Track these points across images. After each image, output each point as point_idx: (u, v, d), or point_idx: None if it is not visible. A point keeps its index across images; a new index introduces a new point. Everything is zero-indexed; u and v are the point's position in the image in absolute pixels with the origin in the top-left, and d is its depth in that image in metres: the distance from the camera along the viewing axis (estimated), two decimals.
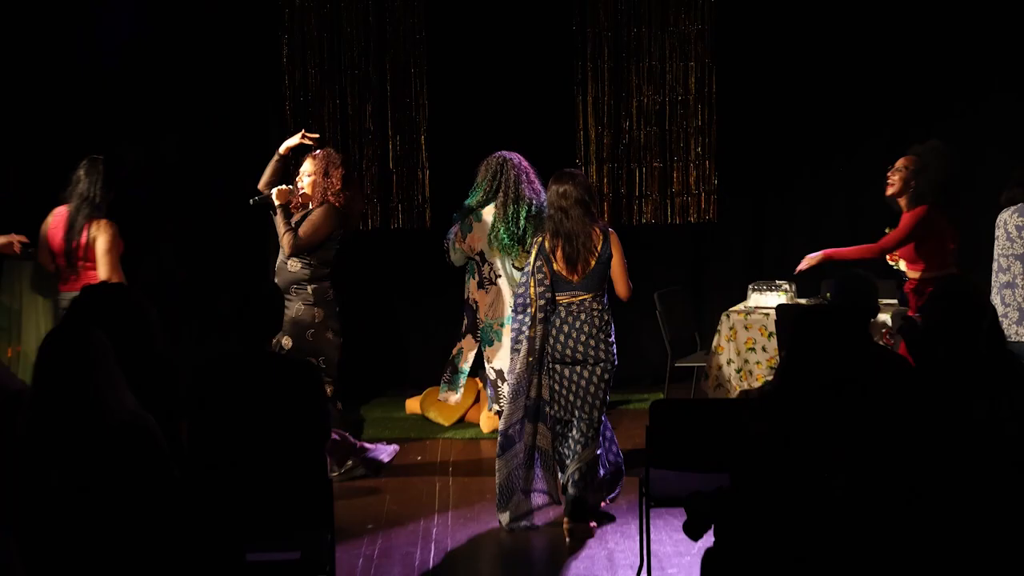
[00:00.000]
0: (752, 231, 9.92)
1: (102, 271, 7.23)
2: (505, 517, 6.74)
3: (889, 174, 7.37)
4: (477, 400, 8.91)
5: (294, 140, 7.48)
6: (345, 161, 7.57)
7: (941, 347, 4.83)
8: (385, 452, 7.69)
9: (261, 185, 7.45)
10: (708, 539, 4.23)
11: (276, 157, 7.47)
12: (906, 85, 9.45)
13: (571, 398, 6.62)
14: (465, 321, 8.06)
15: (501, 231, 7.59)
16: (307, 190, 7.34)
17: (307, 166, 7.35)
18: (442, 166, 9.56)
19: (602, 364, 6.59)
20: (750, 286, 8.50)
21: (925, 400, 4.55)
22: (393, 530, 6.83)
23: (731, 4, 9.57)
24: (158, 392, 4.82)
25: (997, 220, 7.20)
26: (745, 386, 8.13)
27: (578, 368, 6.60)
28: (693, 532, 4.39)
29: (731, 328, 8.23)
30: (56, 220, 7.42)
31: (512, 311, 6.83)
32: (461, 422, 8.91)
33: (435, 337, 9.24)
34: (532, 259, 6.67)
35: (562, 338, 6.59)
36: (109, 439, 4.05)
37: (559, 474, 6.74)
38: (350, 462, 7.51)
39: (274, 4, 9.44)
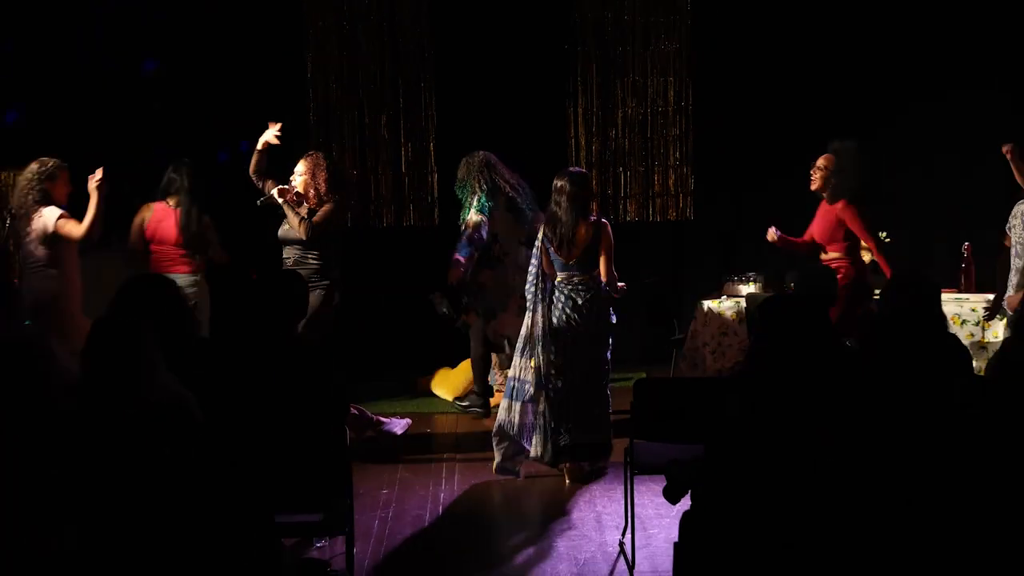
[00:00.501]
0: (725, 228, 9.91)
1: (221, 255, 7.92)
2: (498, 456, 7.00)
3: (812, 171, 7.44)
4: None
5: (269, 136, 7.60)
6: (330, 163, 7.65)
7: (899, 331, 4.84)
8: (398, 425, 7.68)
9: (252, 171, 7.61)
10: (685, 503, 4.23)
11: (257, 150, 7.62)
12: (864, 95, 9.44)
13: (580, 364, 6.89)
14: (465, 300, 8.15)
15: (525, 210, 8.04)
16: (300, 188, 7.51)
17: (299, 167, 7.56)
18: (449, 170, 9.52)
19: (602, 334, 6.92)
20: (723, 276, 8.50)
21: (885, 378, 4.56)
22: (405, 495, 6.84)
23: (705, 26, 9.56)
24: (194, 371, 4.81)
25: (1014, 211, 7.16)
26: (719, 366, 8.13)
27: (580, 339, 6.88)
28: (672, 497, 4.39)
29: (706, 314, 8.23)
30: (159, 215, 7.79)
31: (527, 288, 7.05)
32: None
33: (443, 322, 9.22)
34: (536, 247, 6.93)
35: (568, 312, 6.88)
36: (154, 415, 4.04)
37: (553, 435, 6.90)
38: (369, 433, 7.52)
39: (299, 26, 9.44)
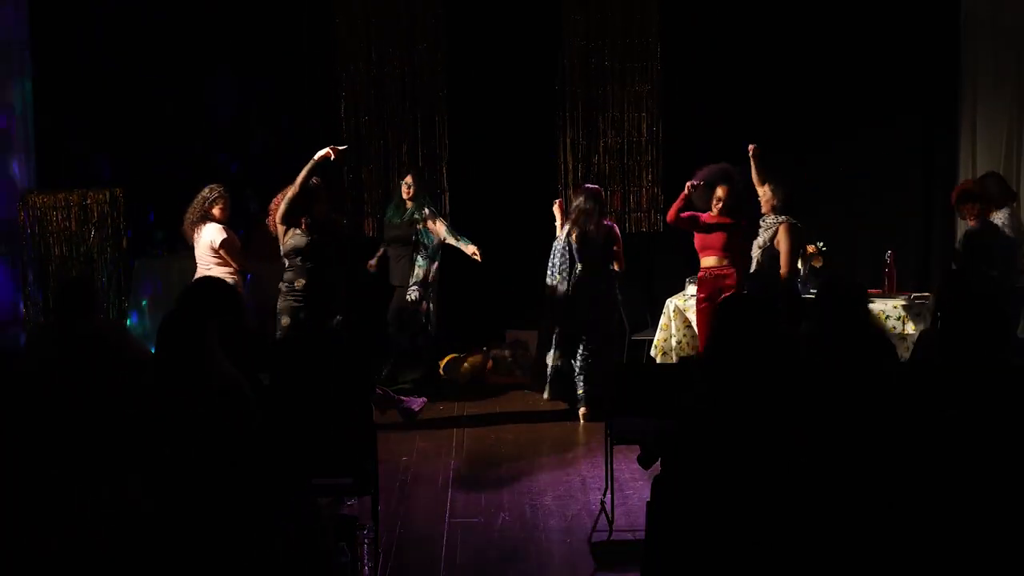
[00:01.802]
0: (688, 239, 9.86)
1: None
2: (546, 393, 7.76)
3: (715, 201, 7.48)
4: (485, 365, 8.88)
5: (321, 153, 7.26)
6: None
7: (829, 325, 4.83)
8: (416, 403, 7.64)
9: (300, 181, 7.19)
10: (656, 468, 4.22)
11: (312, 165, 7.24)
12: (801, 127, 9.41)
13: (595, 333, 7.56)
14: (420, 292, 8.25)
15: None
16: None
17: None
18: (458, 190, 9.54)
19: (604, 307, 7.61)
20: (687, 280, 8.46)
21: (822, 362, 4.56)
22: (422, 461, 6.83)
23: (673, 72, 9.52)
24: (248, 358, 4.79)
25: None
26: (683, 355, 8.09)
27: (589, 307, 7.53)
28: (645, 463, 4.38)
29: (674, 311, 8.19)
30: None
31: (549, 272, 7.71)
32: (472, 381, 8.86)
33: (453, 318, 9.21)
34: (560, 245, 7.61)
35: (583, 290, 7.52)
36: (212, 393, 4.02)
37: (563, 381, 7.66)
38: (391, 409, 7.50)
39: (335, 70, 9.43)
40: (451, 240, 8.43)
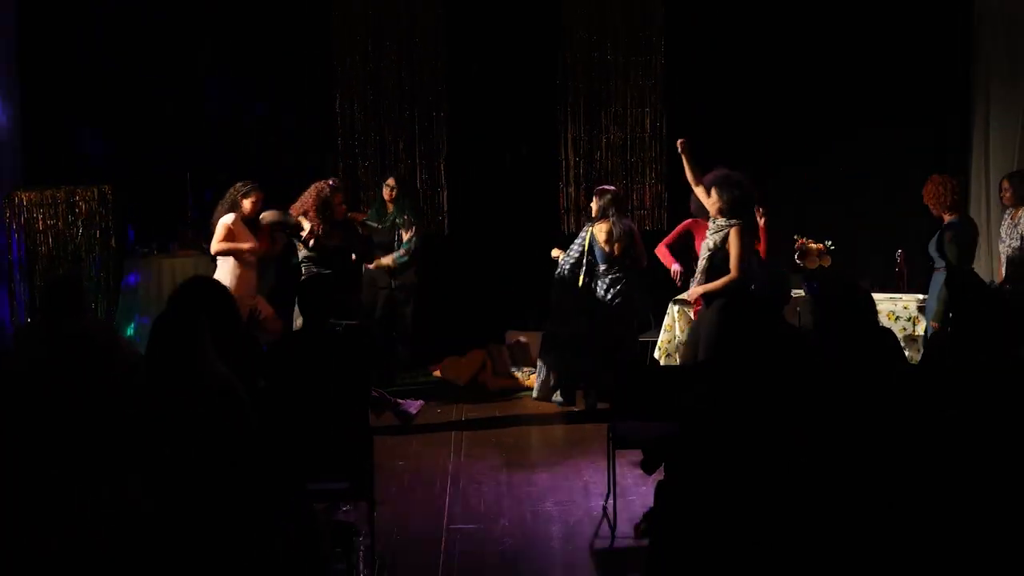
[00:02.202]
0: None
1: None
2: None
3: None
4: (484, 365, 8.87)
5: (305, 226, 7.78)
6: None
7: (836, 327, 4.83)
8: (413, 406, 7.63)
9: (275, 218, 7.78)
10: (659, 474, 4.21)
11: (291, 217, 7.80)
12: (808, 125, 9.41)
13: (613, 331, 7.75)
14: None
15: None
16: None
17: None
18: (457, 187, 9.55)
19: (622, 306, 7.81)
20: (691, 279, 8.45)
21: (825, 364, 4.55)
22: (419, 465, 6.82)
23: (677, 66, 9.54)
24: (243, 360, 4.78)
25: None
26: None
27: (606, 307, 7.74)
28: (648, 468, 4.37)
29: (678, 311, 8.18)
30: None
31: (567, 271, 7.89)
32: (472, 382, 8.86)
33: (452, 318, 9.21)
34: (584, 244, 7.81)
35: (603, 288, 7.75)
36: (207, 399, 4.01)
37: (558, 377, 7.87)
38: (388, 412, 7.49)
39: (331, 65, 9.43)
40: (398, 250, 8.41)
